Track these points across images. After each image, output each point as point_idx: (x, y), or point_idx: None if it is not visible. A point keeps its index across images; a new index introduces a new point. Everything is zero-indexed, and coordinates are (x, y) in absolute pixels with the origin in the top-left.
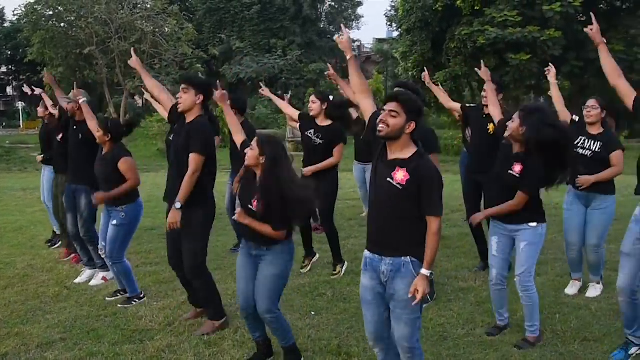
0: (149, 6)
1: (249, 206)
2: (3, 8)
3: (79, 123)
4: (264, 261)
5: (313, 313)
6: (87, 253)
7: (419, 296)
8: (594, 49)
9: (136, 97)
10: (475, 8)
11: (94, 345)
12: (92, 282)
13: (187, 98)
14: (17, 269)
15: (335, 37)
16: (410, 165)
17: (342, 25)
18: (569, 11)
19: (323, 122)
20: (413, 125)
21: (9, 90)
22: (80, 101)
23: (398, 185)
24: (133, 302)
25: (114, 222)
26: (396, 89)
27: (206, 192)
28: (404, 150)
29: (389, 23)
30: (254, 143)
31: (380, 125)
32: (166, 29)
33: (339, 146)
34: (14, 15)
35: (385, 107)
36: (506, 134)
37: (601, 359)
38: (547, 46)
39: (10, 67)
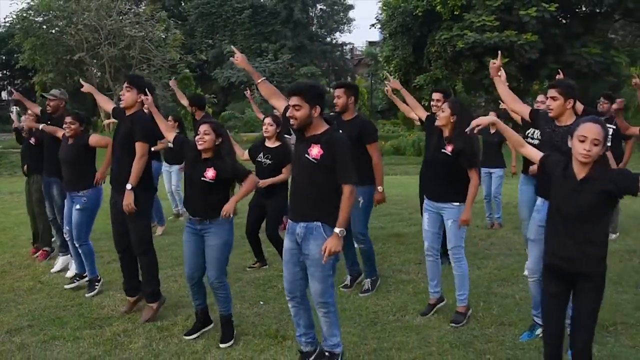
0: (140, 12)
1: (202, 178)
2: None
3: (54, 120)
4: (208, 234)
5: (262, 303)
6: (61, 237)
7: (326, 253)
8: (572, 53)
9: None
10: (455, 13)
11: (57, 331)
12: (68, 274)
13: (129, 96)
14: None
15: (232, 59)
16: (323, 139)
17: (232, 47)
18: (544, 16)
19: (273, 144)
20: (318, 109)
21: (4, 95)
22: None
23: (313, 160)
24: (95, 287)
25: (77, 206)
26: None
27: (150, 176)
28: (317, 129)
29: (379, 27)
30: (208, 130)
31: (291, 121)
32: (154, 34)
33: (288, 165)
34: (4, 21)
35: (289, 103)
36: (438, 123)
37: (511, 340)
38: (525, 50)
39: (4, 72)
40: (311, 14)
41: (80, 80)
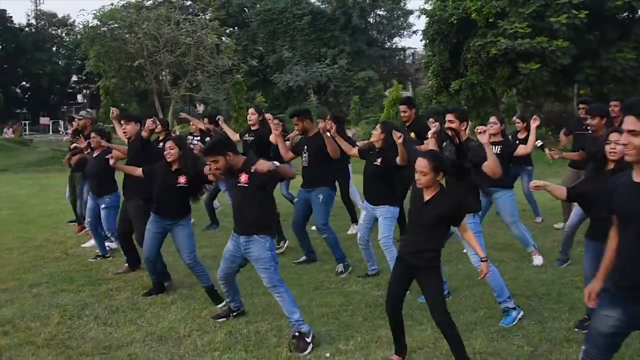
0: (195, 21)
1: (177, 185)
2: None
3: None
4: (175, 228)
5: None
6: None
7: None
8: (607, 58)
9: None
10: (490, 20)
11: (66, 286)
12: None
13: (130, 129)
14: (37, 241)
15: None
16: (247, 168)
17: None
18: (575, 22)
19: None
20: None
21: (79, 97)
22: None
23: (245, 185)
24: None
25: (102, 206)
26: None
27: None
28: (240, 163)
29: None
30: (172, 145)
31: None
32: (207, 42)
33: None
34: (71, 31)
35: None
36: (372, 139)
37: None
38: (556, 55)
39: (80, 76)
40: (370, 19)
41: (181, 113)
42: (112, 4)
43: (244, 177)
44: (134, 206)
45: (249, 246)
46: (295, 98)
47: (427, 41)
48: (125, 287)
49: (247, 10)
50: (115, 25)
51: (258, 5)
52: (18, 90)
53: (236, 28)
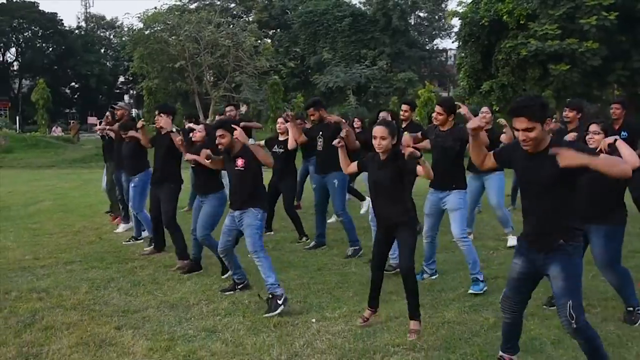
0: (234, 23)
1: (236, 168)
2: (121, 23)
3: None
4: (204, 204)
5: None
6: (126, 210)
7: None
8: (639, 59)
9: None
10: (521, 22)
11: (96, 264)
12: (119, 229)
13: (165, 121)
14: (75, 227)
15: None
16: (242, 153)
17: None
18: (605, 24)
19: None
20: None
21: (126, 98)
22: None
23: (242, 168)
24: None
25: (132, 185)
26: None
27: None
28: (236, 149)
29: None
30: (223, 132)
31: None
32: (245, 44)
33: None
34: (118, 34)
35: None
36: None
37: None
38: (586, 57)
39: (126, 77)
40: (410, 20)
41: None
42: (155, 8)
43: (240, 162)
44: (167, 189)
45: (243, 217)
46: (335, 99)
47: (460, 43)
48: (149, 266)
49: (289, 12)
50: (159, 28)
51: (300, 7)
52: (67, 91)
53: (278, 30)
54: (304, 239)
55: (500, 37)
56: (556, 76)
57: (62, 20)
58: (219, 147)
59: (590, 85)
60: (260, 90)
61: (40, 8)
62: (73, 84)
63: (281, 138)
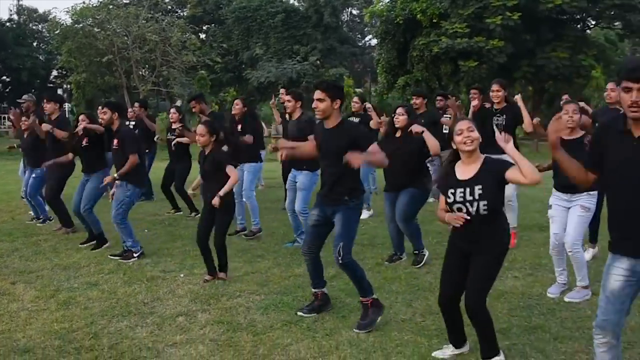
0: (160, 18)
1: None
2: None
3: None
4: (89, 181)
5: (146, 230)
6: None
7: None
8: (542, 57)
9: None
10: (433, 21)
11: (3, 237)
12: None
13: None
14: None
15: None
16: (118, 134)
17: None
18: (509, 23)
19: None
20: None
21: (60, 92)
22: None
23: (116, 147)
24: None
25: (34, 175)
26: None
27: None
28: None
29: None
30: (106, 109)
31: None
32: (173, 39)
33: None
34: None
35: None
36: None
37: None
38: (492, 54)
39: (60, 71)
40: (343, 17)
41: None
42: (84, 2)
43: (115, 141)
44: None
45: (118, 189)
46: (268, 94)
47: (378, 40)
48: (53, 239)
49: (223, 8)
50: (87, 23)
51: (234, 3)
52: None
53: (212, 25)
54: (193, 214)
55: (414, 35)
56: (466, 72)
57: None
58: (100, 121)
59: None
60: (188, 85)
61: None
62: (4, 77)
63: (174, 126)
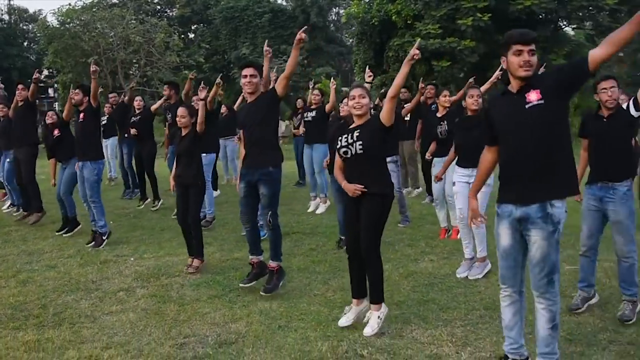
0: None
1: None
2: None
3: None
4: (66, 169)
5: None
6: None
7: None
8: None
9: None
10: (408, 22)
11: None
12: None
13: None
14: None
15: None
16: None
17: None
18: (480, 24)
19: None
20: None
21: (51, 91)
22: None
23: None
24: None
25: (7, 159)
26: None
27: None
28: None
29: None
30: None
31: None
32: (156, 40)
33: None
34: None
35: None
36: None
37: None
38: (464, 54)
39: (51, 70)
40: (330, 17)
41: None
42: (70, 4)
43: (81, 115)
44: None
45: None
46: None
47: (355, 41)
48: (24, 229)
49: (211, 8)
50: (72, 24)
51: (222, 3)
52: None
53: (201, 25)
54: (156, 202)
55: (390, 36)
56: (439, 72)
57: None
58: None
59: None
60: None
61: None
62: None
63: (137, 111)
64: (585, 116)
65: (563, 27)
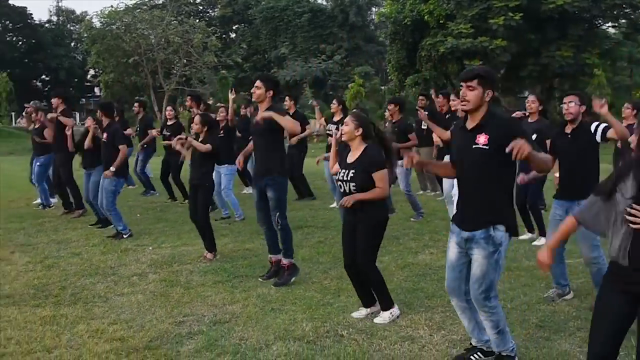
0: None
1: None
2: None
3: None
4: (92, 175)
5: (138, 215)
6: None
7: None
8: (547, 56)
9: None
10: (440, 22)
11: (14, 219)
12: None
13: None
14: (10, 198)
15: None
16: (107, 129)
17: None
18: (511, 24)
19: None
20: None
21: (97, 90)
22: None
23: (105, 140)
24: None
25: (38, 163)
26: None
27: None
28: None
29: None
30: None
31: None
32: (194, 41)
33: None
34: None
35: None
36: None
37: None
38: (496, 53)
39: (97, 70)
40: (369, 16)
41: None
42: (112, 6)
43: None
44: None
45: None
46: (297, 92)
47: (388, 41)
48: (56, 221)
49: (252, 8)
50: (114, 26)
51: (262, 3)
52: (39, 84)
53: (242, 25)
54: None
55: (422, 36)
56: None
57: (31, 14)
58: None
59: (509, 79)
60: (208, 84)
61: (10, 2)
62: (44, 76)
63: (169, 123)
64: (554, 134)
65: (598, 25)
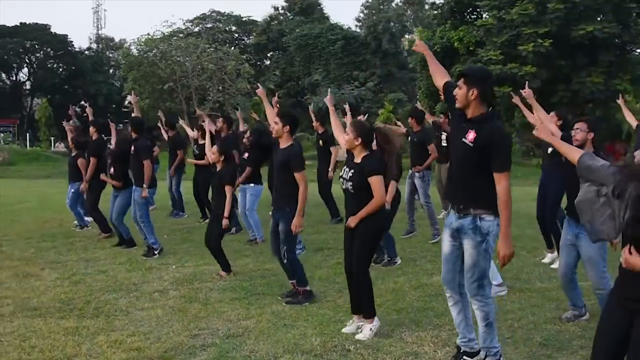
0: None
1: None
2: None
3: None
4: (118, 197)
5: (165, 236)
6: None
7: None
8: (578, 82)
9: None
10: (470, 48)
11: (46, 238)
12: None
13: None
14: (45, 219)
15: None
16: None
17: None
18: (540, 50)
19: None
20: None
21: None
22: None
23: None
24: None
25: (72, 189)
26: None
27: None
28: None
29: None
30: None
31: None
32: (228, 67)
33: None
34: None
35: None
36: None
37: None
38: (526, 80)
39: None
40: (401, 44)
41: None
42: (148, 34)
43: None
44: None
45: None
46: (326, 118)
47: (418, 68)
48: (86, 240)
49: (286, 35)
50: (150, 53)
51: (296, 31)
52: (78, 109)
53: (277, 52)
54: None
55: (452, 62)
56: (501, 97)
57: (72, 42)
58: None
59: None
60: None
61: (52, 30)
62: (82, 102)
63: (200, 142)
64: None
65: (630, 51)
